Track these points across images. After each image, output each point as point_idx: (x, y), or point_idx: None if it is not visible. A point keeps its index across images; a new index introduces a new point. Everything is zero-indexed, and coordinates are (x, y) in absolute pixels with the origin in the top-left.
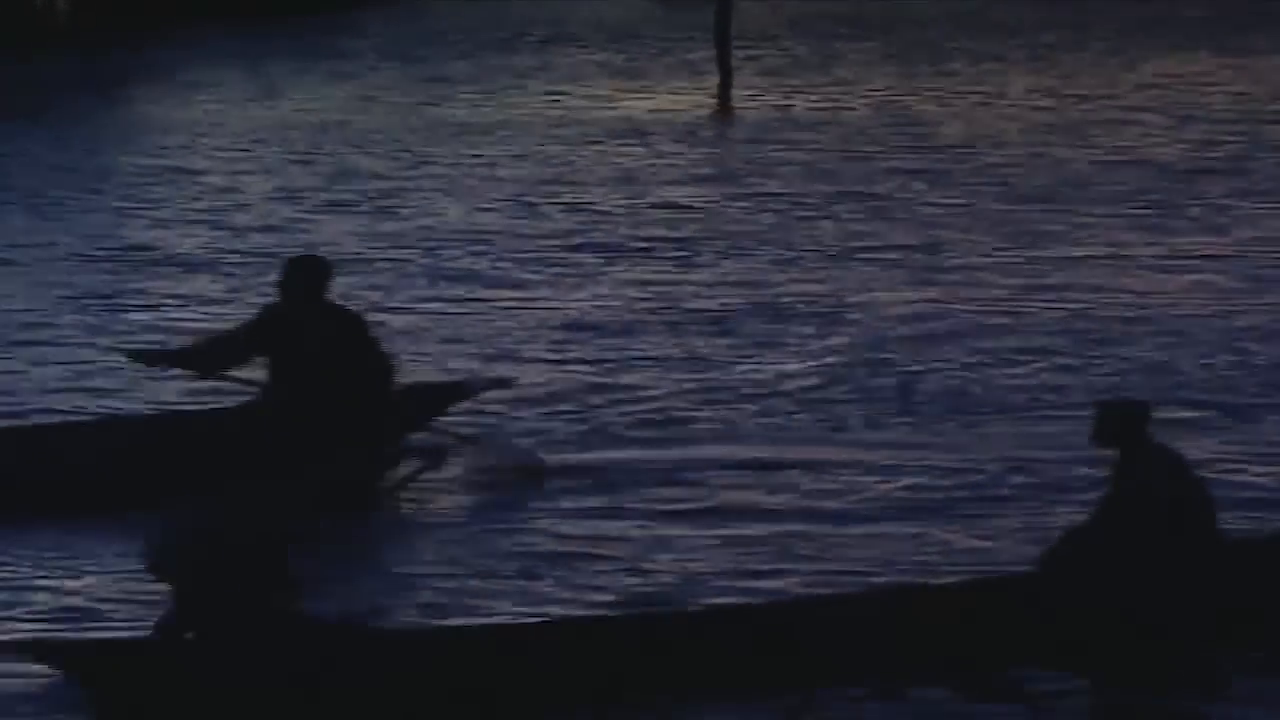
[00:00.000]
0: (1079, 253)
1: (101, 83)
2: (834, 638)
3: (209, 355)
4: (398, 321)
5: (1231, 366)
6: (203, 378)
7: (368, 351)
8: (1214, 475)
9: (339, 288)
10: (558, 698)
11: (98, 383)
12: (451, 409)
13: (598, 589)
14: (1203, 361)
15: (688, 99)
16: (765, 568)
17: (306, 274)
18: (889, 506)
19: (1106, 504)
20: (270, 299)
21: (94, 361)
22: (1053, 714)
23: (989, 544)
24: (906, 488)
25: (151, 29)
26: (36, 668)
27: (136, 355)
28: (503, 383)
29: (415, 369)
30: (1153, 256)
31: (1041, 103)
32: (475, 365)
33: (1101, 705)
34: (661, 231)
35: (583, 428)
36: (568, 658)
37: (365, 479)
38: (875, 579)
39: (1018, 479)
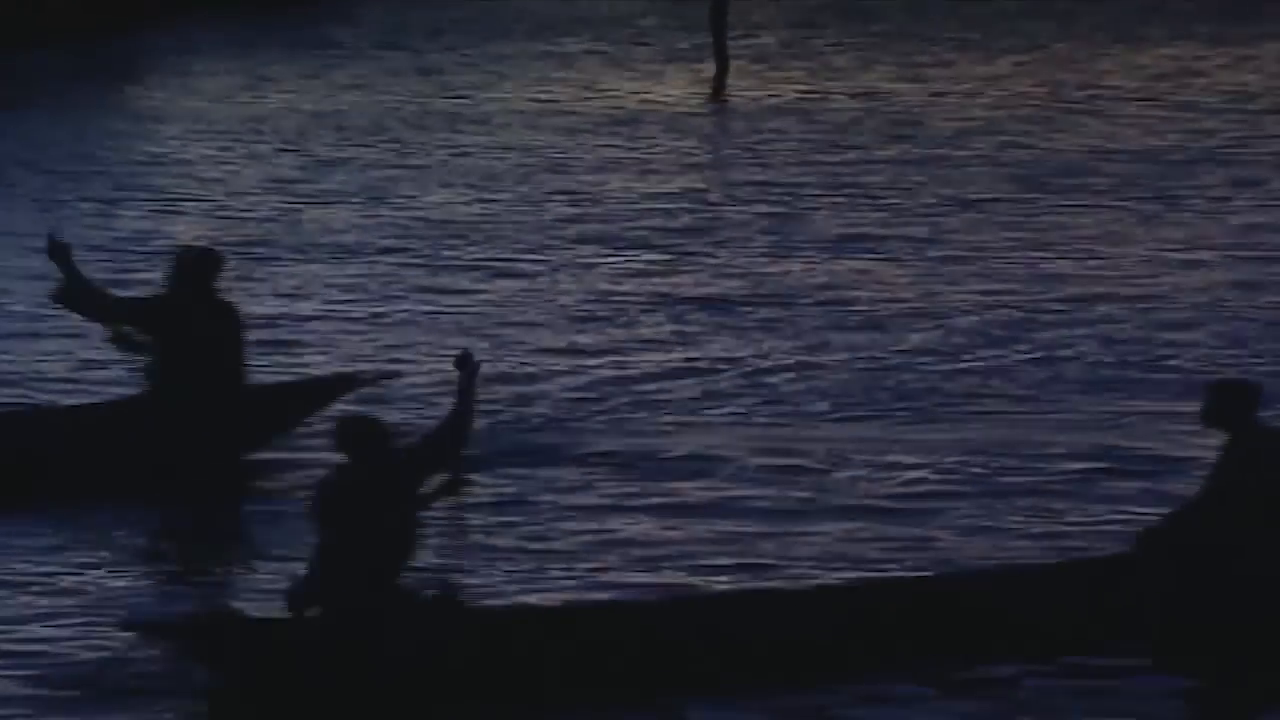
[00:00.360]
0: (1074, 242)
1: (96, 73)
2: (911, 622)
3: (90, 292)
4: (392, 312)
5: (1230, 357)
6: (68, 308)
7: (240, 349)
8: None
9: (338, 282)
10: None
11: (95, 374)
12: (338, 401)
13: (599, 584)
14: (1201, 351)
15: (683, 89)
16: (766, 562)
17: (197, 267)
18: (890, 500)
19: (1211, 486)
20: (162, 288)
21: (94, 350)
22: (1097, 701)
23: (993, 538)
24: (908, 481)
25: (147, 20)
26: (152, 646)
27: (55, 246)
28: (390, 375)
29: (410, 363)
30: (1148, 246)
31: (1035, 91)
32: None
33: (1165, 692)
34: (657, 221)
35: (580, 419)
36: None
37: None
38: (879, 574)
39: (1019, 473)
